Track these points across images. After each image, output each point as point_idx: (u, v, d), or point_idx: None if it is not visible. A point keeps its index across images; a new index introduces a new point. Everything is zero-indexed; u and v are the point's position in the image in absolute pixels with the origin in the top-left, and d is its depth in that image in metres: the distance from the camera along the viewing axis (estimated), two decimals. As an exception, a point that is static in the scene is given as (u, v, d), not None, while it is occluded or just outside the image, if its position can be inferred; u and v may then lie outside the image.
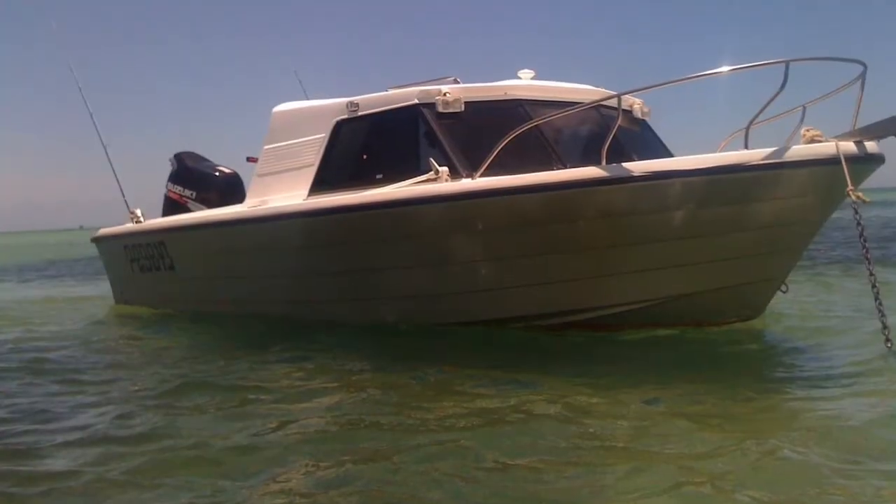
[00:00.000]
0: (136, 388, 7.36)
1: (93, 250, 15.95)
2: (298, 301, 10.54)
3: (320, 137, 10.42)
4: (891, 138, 7.35)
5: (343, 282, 9.89)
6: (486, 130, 9.21)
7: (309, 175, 10.39)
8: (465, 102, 9.53)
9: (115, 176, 14.71)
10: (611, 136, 7.97)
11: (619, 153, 8.72)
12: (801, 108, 8.77)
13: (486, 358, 7.93)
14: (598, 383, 6.68)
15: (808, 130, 7.54)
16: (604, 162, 7.91)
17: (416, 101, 9.54)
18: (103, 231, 14.68)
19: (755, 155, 7.57)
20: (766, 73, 7.63)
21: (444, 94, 9.43)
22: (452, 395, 6.54)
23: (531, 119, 9.01)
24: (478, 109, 9.60)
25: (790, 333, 8.75)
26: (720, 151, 9.28)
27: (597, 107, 9.45)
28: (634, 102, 10.49)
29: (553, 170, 8.56)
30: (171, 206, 13.53)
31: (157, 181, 14.20)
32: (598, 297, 8.63)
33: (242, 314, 11.20)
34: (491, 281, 8.80)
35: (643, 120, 10.68)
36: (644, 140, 10.36)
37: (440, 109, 9.39)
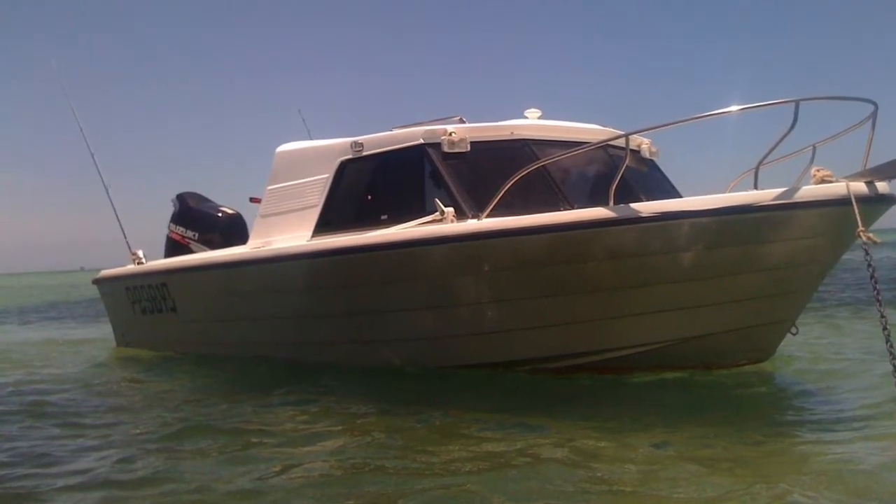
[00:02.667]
0: (138, 431, 7.29)
1: (94, 292, 15.92)
2: (302, 343, 10.45)
3: (324, 178, 10.38)
4: None
5: (347, 324, 9.81)
6: (492, 170, 9.17)
7: (313, 216, 10.33)
8: (471, 142, 9.49)
9: (117, 216, 14.69)
10: (619, 177, 7.92)
11: (628, 193, 8.68)
12: (811, 148, 8.74)
13: (492, 401, 7.87)
14: (606, 426, 6.60)
15: (818, 171, 7.49)
16: (612, 202, 7.85)
17: (422, 140, 9.49)
18: (105, 273, 14.62)
19: (765, 195, 7.51)
20: (776, 113, 7.58)
21: (450, 134, 9.39)
22: (458, 438, 6.46)
23: (538, 159, 8.98)
24: (484, 149, 9.55)
25: (800, 376, 8.68)
26: (729, 192, 9.23)
27: (604, 146, 9.44)
28: (642, 142, 10.47)
29: (560, 210, 8.50)
30: (174, 248, 13.49)
31: (159, 222, 14.17)
32: (605, 340, 8.53)
33: (246, 357, 11.12)
34: (497, 323, 8.72)
35: (651, 160, 10.65)
36: (652, 180, 10.32)
37: (446, 149, 9.34)
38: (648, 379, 8.44)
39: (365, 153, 10.09)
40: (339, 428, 7.06)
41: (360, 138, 10.17)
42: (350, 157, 10.22)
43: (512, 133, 9.83)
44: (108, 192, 14.73)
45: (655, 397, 7.90)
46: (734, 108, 7.45)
